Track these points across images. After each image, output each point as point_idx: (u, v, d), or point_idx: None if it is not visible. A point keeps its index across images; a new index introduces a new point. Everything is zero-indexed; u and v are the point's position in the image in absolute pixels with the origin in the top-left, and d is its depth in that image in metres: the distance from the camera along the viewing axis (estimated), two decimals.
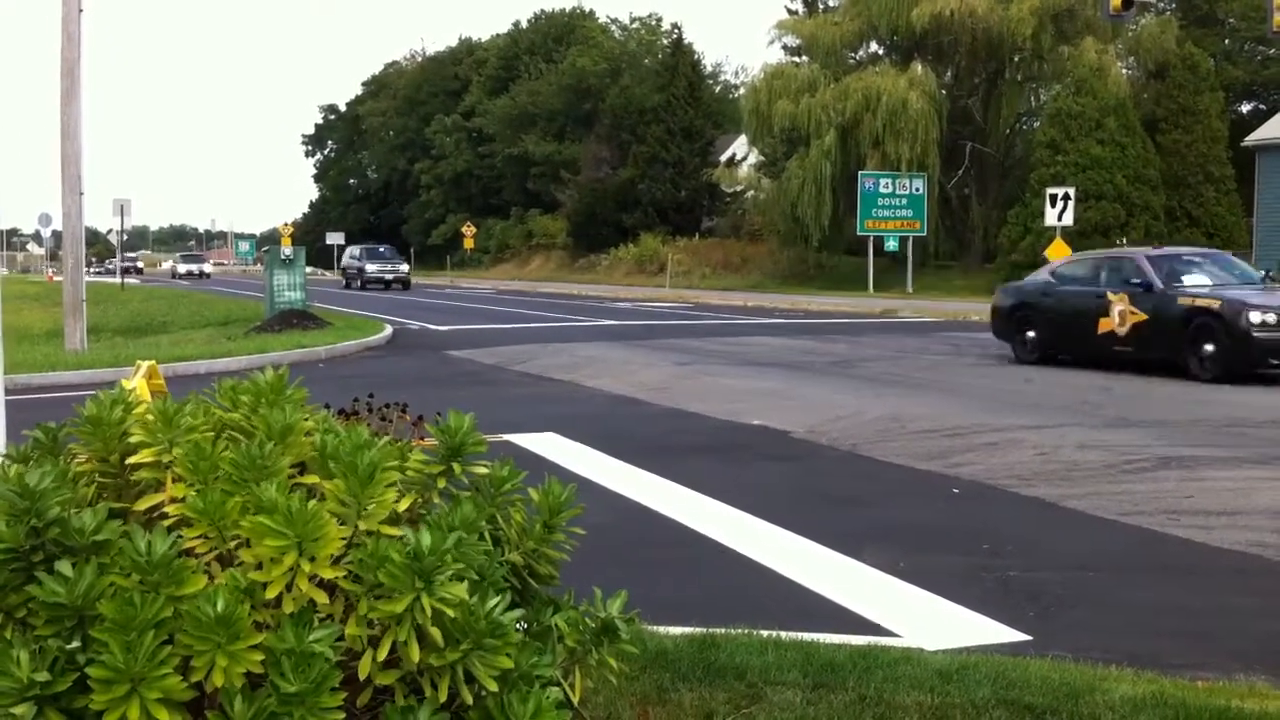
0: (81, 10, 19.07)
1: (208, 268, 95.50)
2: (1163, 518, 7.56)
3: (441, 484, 2.86)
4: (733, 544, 6.93)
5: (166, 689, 2.24)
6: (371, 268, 57.66)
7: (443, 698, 2.42)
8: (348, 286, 58.59)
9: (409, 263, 65.52)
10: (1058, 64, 51.32)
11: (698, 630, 4.88)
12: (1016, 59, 53.79)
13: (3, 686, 2.22)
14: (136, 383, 3.74)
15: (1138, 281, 16.55)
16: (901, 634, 5.27)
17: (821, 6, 62.19)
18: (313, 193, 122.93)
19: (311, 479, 2.70)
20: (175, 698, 2.25)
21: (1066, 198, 30.77)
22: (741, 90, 67.59)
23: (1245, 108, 56.65)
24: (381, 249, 63.43)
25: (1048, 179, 41.94)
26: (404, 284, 56.79)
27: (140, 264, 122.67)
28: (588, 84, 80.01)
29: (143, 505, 2.66)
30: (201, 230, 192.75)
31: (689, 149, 69.15)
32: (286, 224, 78.65)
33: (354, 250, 64.13)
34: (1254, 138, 46.49)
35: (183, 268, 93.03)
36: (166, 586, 2.31)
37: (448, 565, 2.39)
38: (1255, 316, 14.84)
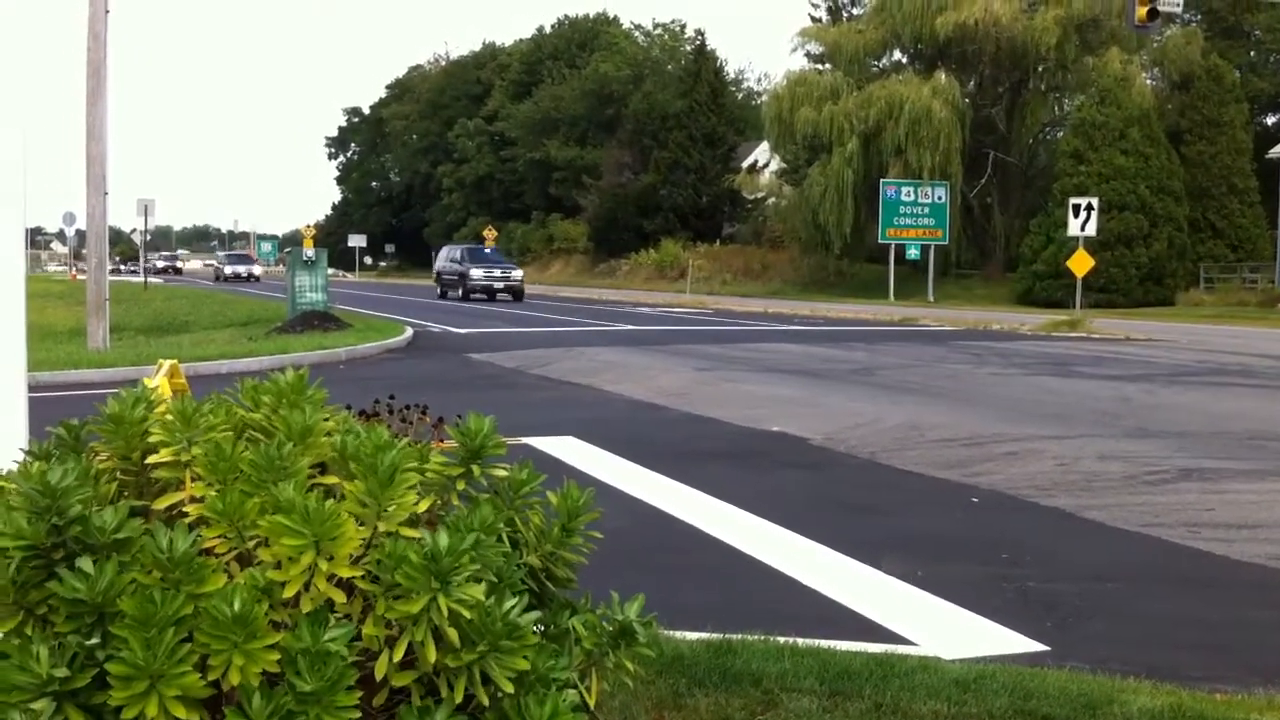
0: (108, 11, 19.19)
1: (257, 270, 79.80)
2: (1183, 530, 7.53)
3: (461, 486, 2.86)
4: (750, 550, 6.92)
5: (185, 686, 2.24)
6: (478, 273, 44.86)
7: (459, 699, 2.42)
8: (443, 296, 47.02)
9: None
10: (1082, 74, 51.27)
11: (714, 636, 4.88)
12: (1040, 68, 53.74)
13: (22, 682, 2.23)
14: (158, 381, 3.76)
15: None
16: (919, 642, 5.26)
17: (845, 15, 62.28)
18: (335, 195, 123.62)
19: (331, 479, 2.71)
20: (193, 695, 2.26)
21: (1090, 208, 30.68)
22: (764, 97, 67.62)
23: (1270, 119, 56.44)
24: (486, 250, 49.50)
25: (1071, 189, 41.88)
26: (516, 294, 44.39)
27: (180, 263, 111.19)
28: (610, 89, 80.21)
29: (162, 504, 2.67)
30: (224, 230, 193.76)
31: (711, 155, 69.23)
32: (309, 225, 78.71)
33: (453, 251, 49.13)
34: (1279, 150, 46.25)
35: (229, 269, 77.93)
36: (187, 584, 2.32)
37: (465, 566, 2.39)
38: None
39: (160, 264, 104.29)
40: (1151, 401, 14.49)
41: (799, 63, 78.37)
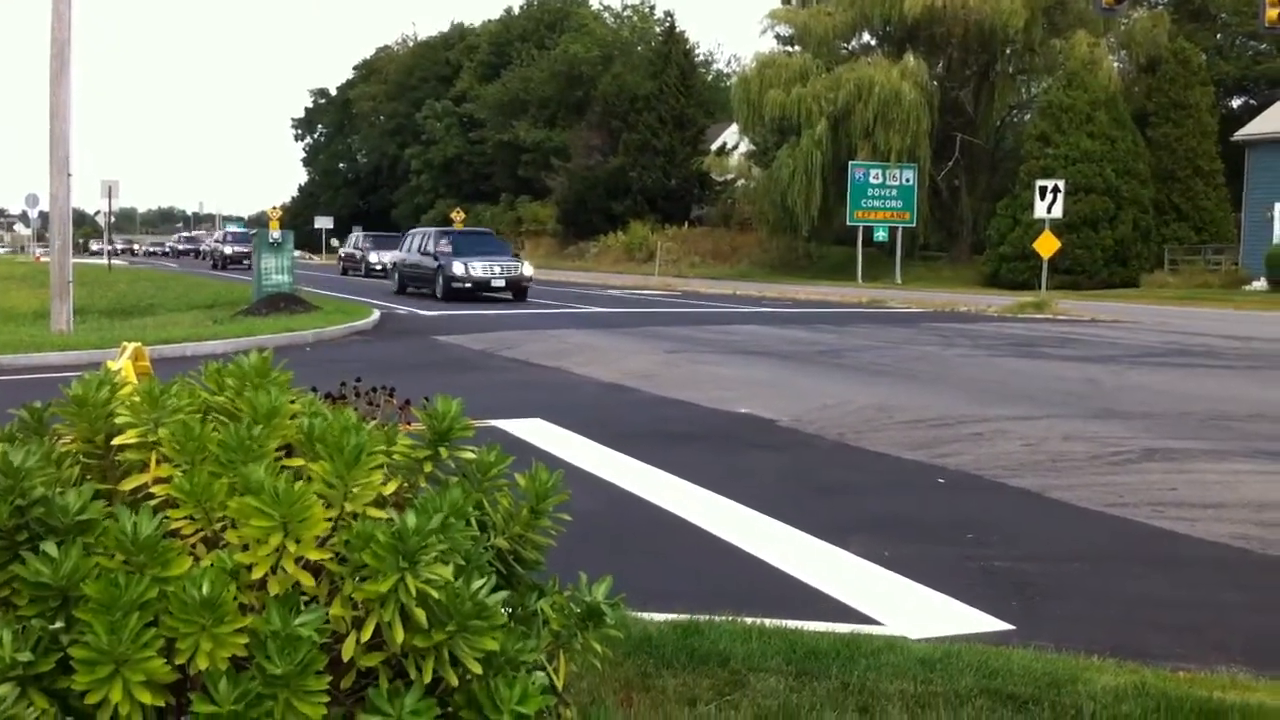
0: None
1: None
2: (1148, 509, 7.59)
3: (428, 468, 2.86)
4: (718, 531, 6.94)
5: (149, 670, 2.23)
6: None
7: (427, 679, 2.42)
8: None
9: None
10: (1049, 57, 51.47)
11: (682, 617, 4.89)
12: (1008, 51, 53.91)
13: None
14: (122, 364, 3.73)
15: None
16: (885, 622, 5.29)
17: None
18: (302, 176, 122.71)
19: (297, 462, 2.70)
20: (158, 679, 2.25)
21: (1056, 190, 30.83)
22: (733, 79, 67.53)
23: (1236, 102, 56.85)
24: None
25: (1037, 171, 42.06)
26: None
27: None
28: (579, 71, 79.92)
29: (128, 486, 2.66)
30: (190, 212, 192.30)
31: (680, 137, 69.15)
32: (275, 207, 78.02)
33: None
34: (1244, 132, 46.63)
35: (377, 256, 48.05)
36: (151, 568, 2.31)
37: (432, 547, 2.39)
38: None
39: (226, 249, 62.69)
40: (1116, 382, 14.60)
41: (768, 45, 78.31)
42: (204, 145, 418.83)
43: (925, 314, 29.54)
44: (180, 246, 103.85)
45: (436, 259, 33.08)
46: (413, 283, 35.17)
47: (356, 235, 56.43)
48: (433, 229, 37.62)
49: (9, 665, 2.21)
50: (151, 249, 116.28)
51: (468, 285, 32.02)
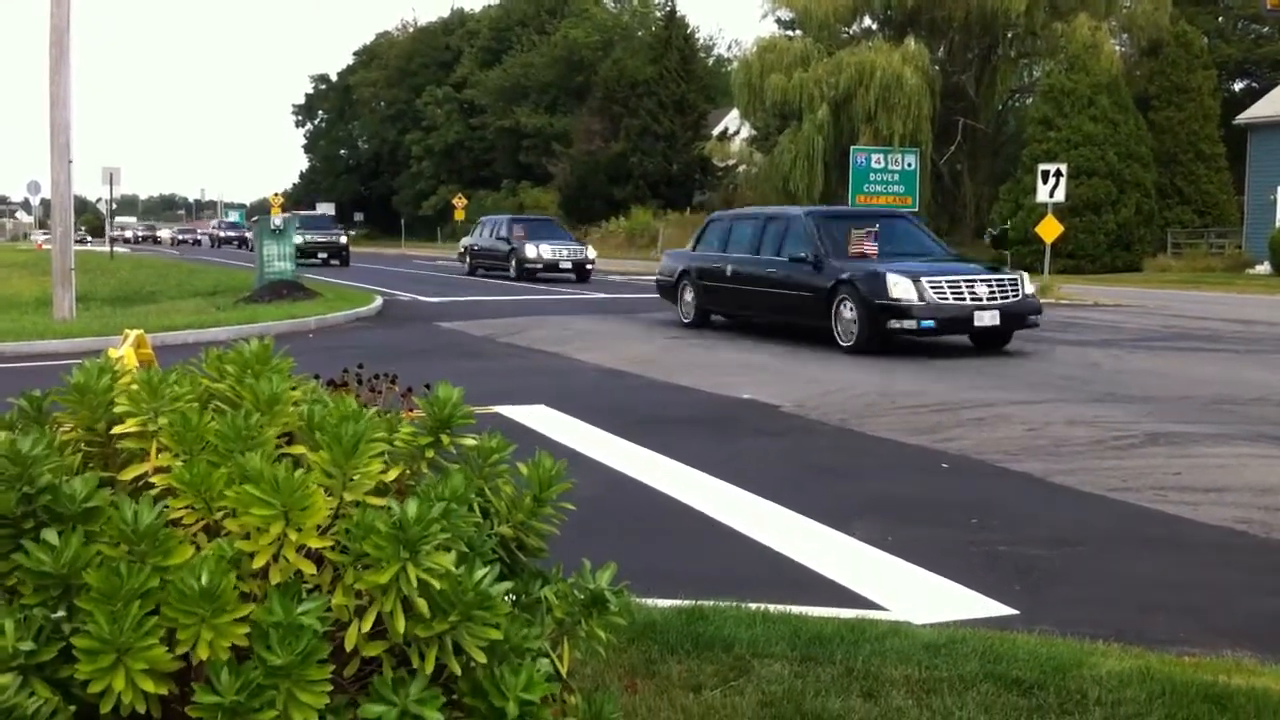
0: None
1: (592, 253, 38.82)
2: (1150, 494, 7.58)
3: (430, 455, 2.84)
4: (721, 517, 6.94)
5: (152, 660, 2.22)
6: None
7: (430, 668, 2.41)
8: None
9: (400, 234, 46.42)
10: (1051, 40, 51.32)
11: (686, 603, 4.89)
12: (1010, 35, 53.77)
13: None
14: (124, 352, 3.72)
15: None
16: (889, 608, 5.28)
17: None
18: (303, 163, 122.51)
19: (299, 449, 2.69)
20: (161, 669, 2.24)
21: (1059, 174, 30.76)
22: (734, 64, 67.36)
23: (1238, 86, 56.72)
24: None
25: (1040, 155, 41.96)
26: None
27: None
28: (580, 56, 79.86)
29: (128, 475, 2.64)
30: (191, 199, 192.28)
31: (681, 122, 69.03)
32: (276, 194, 78.02)
33: None
34: (1246, 116, 46.53)
35: (535, 250, 36.20)
36: (153, 556, 2.30)
37: (434, 535, 2.37)
38: None
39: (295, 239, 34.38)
40: (1119, 366, 14.58)
41: (769, 29, 78.18)
42: (205, 132, 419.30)
43: None
44: (222, 234, 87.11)
45: (819, 266, 16.75)
46: (727, 309, 19.74)
47: (494, 221, 41.12)
48: (799, 209, 18.76)
49: (11, 654, 2.20)
50: (181, 236, 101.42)
51: (928, 323, 15.47)
